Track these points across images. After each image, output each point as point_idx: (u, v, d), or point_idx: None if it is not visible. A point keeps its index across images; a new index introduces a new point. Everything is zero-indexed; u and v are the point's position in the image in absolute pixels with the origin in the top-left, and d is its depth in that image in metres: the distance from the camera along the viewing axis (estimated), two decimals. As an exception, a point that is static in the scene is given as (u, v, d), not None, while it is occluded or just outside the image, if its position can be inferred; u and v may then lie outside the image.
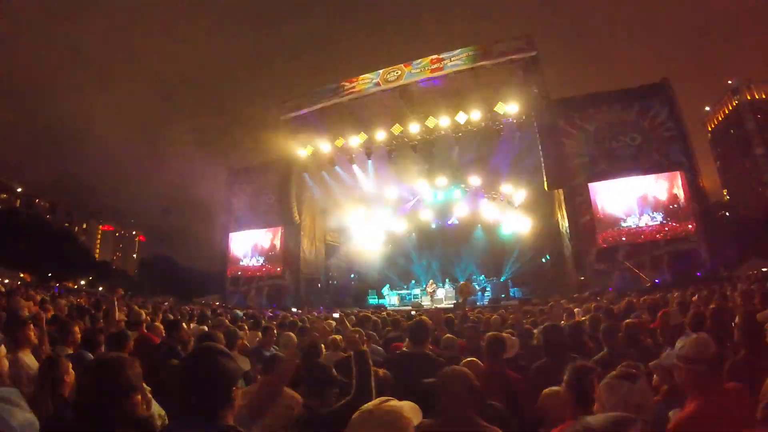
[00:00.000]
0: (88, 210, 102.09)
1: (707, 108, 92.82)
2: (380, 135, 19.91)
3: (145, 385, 1.90)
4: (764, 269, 21.77)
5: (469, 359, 3.00)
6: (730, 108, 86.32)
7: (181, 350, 4.00)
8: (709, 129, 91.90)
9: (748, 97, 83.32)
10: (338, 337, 4.27)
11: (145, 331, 5.09)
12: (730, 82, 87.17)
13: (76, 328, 4.01)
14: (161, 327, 5.17)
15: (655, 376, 2.55)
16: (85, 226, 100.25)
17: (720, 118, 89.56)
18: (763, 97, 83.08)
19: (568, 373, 2.17)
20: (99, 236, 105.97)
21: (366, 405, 1.45)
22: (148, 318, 6.20)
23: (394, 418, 1.39)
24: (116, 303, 5.18)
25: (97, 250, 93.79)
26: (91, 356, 3.37)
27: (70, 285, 42.13)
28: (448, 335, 4.31)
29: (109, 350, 3.59)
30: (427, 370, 2.88)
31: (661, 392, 2.53)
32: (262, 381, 2.82)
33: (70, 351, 3.65)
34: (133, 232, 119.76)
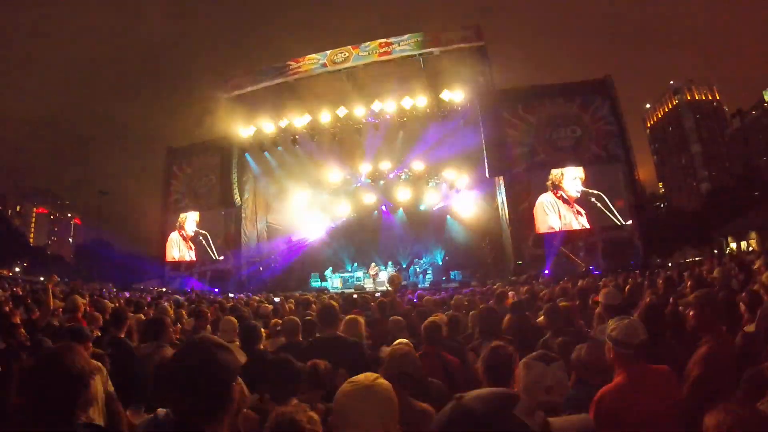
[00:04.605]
0: (22, 192, 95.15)
1: (647, 105, 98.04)
2: (325, 117, 19.62)
3: None
4: (697, 258, 23.32)
5: (399, 340, 3.02)
6: (670, 107, 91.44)
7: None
8: (648, 125, 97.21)
9: (689, 97, 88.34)
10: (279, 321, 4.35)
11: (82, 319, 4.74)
12: (672, 82, 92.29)
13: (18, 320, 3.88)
14: (98, 316, 4.77)
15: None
16: (18, 208, 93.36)
17: (659, 116, 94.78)
18: (703, 98, 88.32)
19: (484, 352, 2.27)
20: (33, 220, 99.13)
21: (359, 379, 1.43)
22: (87, 306, 5.82)
23: (390, 396, 1.42)
24: (50, 291, 4.90)
25: (32, 235, 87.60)
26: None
27: (5, 272, 39.03)
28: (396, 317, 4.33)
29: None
30: (343, 352, 2.97)
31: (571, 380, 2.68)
32: None
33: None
34: (69, 215, 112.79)
